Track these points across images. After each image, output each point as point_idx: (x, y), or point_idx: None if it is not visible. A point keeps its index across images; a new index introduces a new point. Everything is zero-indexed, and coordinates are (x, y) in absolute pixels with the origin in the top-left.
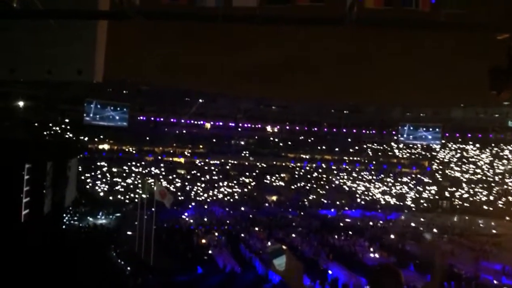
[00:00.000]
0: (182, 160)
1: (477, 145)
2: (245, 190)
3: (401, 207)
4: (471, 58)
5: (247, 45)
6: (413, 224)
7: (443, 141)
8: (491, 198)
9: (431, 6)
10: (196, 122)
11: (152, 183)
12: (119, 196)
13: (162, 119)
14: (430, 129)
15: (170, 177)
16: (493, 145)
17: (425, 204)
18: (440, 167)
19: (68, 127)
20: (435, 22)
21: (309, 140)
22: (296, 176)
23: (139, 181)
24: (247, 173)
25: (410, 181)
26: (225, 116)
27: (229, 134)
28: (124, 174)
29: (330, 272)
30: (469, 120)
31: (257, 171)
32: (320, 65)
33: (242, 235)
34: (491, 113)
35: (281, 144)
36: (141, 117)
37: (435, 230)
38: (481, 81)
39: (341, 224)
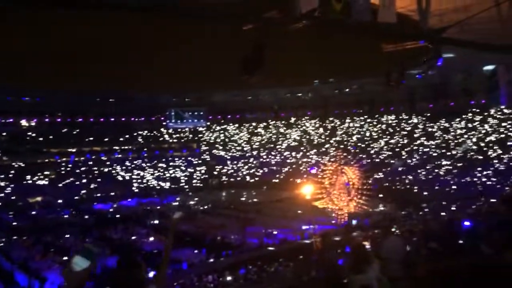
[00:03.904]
0: None
1: (236, 125)
2: (1, 195)
3: (176, 190)
4: (230, 47)
5: None
6: (191, 204)
7: (208, 123)
8: (251, 171)
9: None
10: None
11: None
12: None
13: None
14: (195, 113)
15: None
16: (248, 124)
17: (197, 184)
18: (207, 147)
19: None
20: (190, 10)
21: (74, 132)
22: (63, 172)
23: None
24: (1, 176)
25: (181, 164)
26: None
27: None
28: None
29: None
30: (228, 103)
31: (13, 172)
32: (88, 53)
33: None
34: (245, 95)
35: (41, 139)
36: None
37: (206, 206)
38: (236, 68)
39: (118, 215)
